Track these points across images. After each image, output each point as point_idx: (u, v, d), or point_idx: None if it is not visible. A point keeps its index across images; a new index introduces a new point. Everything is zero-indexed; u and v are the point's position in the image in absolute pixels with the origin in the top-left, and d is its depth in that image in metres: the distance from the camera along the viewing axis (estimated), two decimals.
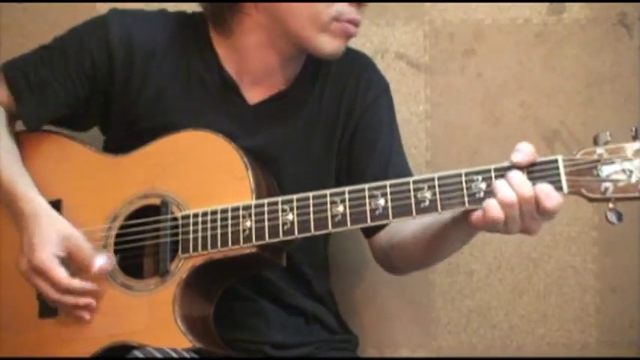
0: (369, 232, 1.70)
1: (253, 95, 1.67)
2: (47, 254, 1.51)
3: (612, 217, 1.35)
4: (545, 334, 1.97)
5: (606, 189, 1.34)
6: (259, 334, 1.66)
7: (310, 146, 1.68)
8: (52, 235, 1.53)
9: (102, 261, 1.54)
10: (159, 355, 1.42)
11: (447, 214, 1.44)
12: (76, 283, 1.52)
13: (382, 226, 1.66)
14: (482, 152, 1.99)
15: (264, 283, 1.67)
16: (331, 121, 1.69)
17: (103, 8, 1.92)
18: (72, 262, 1.54)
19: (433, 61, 2.01)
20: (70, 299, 1.53)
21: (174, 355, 1.44)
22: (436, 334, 2.00)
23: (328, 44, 1.59)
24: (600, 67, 1.98)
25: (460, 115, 2.00)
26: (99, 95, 1.66)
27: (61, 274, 1.51)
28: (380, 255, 1.71)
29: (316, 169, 1.69)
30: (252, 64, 1.65)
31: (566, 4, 1.98)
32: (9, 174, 1.59)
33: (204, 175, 1.56)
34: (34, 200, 1.56)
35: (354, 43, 1.88)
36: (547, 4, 1.99)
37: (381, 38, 2.01)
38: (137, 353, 1.42)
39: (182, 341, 1.47)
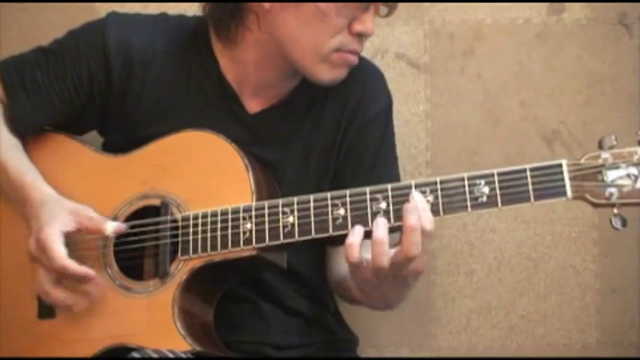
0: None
1: (253, 105, 1.66)
2: (54, 228, 1.50)
3: (617, 222, 1.34)
4: (545, 334, 1.97)
5: (611, 194, 1.33)
6: (259, 336, 1.65)
7: (310, 155, 1.67)
8: (59, 212, 1.52)
9: (114, 225, 1.54)
10: (155, 356, 1.42)
11: None
12: (71, 264, 1.48)
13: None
14: (482, 152, 1.98)
15: (263, 285, 1.66)
16: (332, 128, 1.67)
17: (102, 8, 1.92)
18: (84, 233, 1.53)
19: (433, 61, 2.01)
20: (63, 293, 1.50)
21: (170, 356, 1.44)
22: (436, 334, 2.00)
23: (327, 73, 1.58)
24: (600, 67, 1.98)
25: (460, 115, 2.00)
26: (96, 104, 1.65)
27: (59, 250, 1.48)
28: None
29: (315, 179, 1.67)
30: (252, 78, 1.64)
31: (566, 4, 1.98)
32: (16, 164, 1.60)
33: (204, 176, 1.55)
34: (41, 189, 1.57)
35: None
36: (547, 4, 1.98)
37: (381, 38, 2.01)
38: (135, 354, 1.43)
39: (181, 344, 1.47)
